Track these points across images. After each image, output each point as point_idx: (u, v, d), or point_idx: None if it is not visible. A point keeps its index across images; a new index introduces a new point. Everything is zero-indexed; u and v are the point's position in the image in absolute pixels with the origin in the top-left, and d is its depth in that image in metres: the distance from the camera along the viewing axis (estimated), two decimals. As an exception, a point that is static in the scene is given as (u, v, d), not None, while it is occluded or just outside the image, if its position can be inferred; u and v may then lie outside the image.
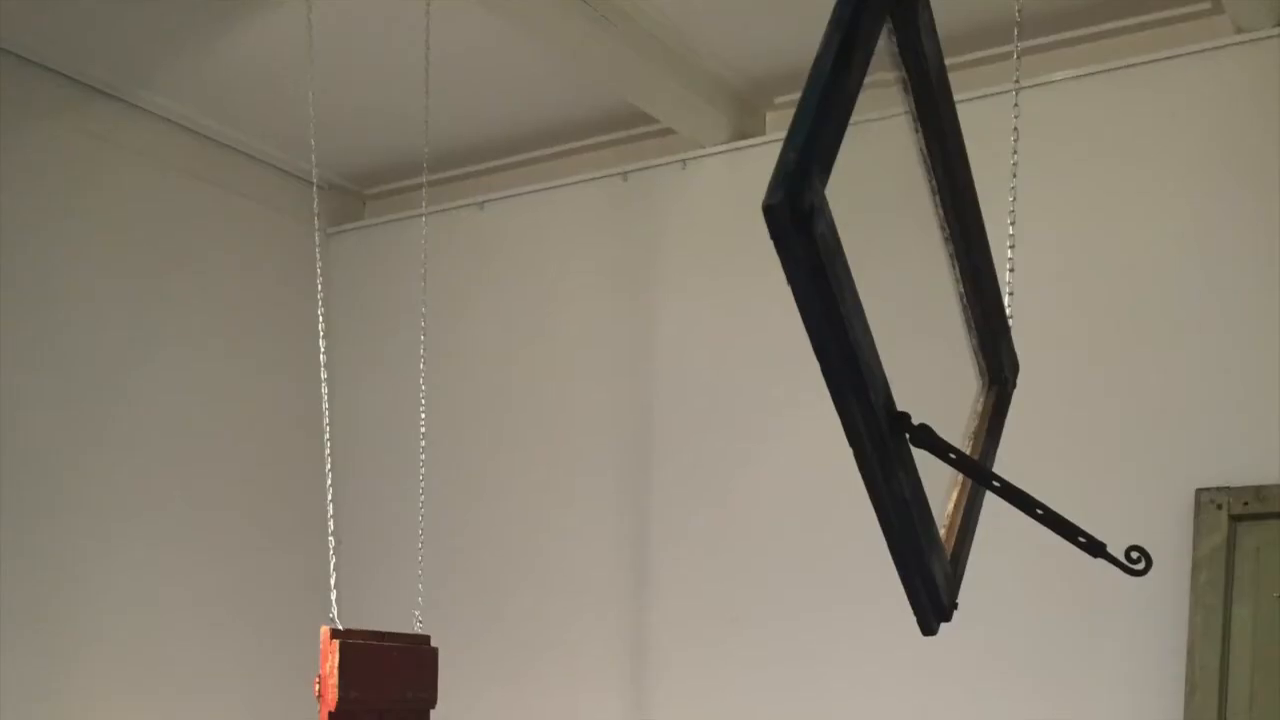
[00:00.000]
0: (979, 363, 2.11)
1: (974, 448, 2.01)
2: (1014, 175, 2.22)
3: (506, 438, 4.73)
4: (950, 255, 1.97)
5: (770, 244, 1.33)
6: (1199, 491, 3.55)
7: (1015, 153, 2.26)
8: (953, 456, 1.64)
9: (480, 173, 4.91)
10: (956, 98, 1.87)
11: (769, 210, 1.33)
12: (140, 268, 4.29)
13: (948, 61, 1.85)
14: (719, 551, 4.30)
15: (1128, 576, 1.87)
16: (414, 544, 3.58)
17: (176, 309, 4.39)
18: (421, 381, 3.54)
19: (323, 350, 3.04)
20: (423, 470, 3.54)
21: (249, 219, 4.67)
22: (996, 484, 1.69)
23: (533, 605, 4.61)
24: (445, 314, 4.57)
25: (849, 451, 1.53)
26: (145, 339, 4.27)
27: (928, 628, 1.91)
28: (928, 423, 1.57)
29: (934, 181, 1.90)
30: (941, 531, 1.88)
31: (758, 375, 4.27)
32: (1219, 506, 3.47)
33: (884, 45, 1.64)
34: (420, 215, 3.74)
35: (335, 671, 2.82)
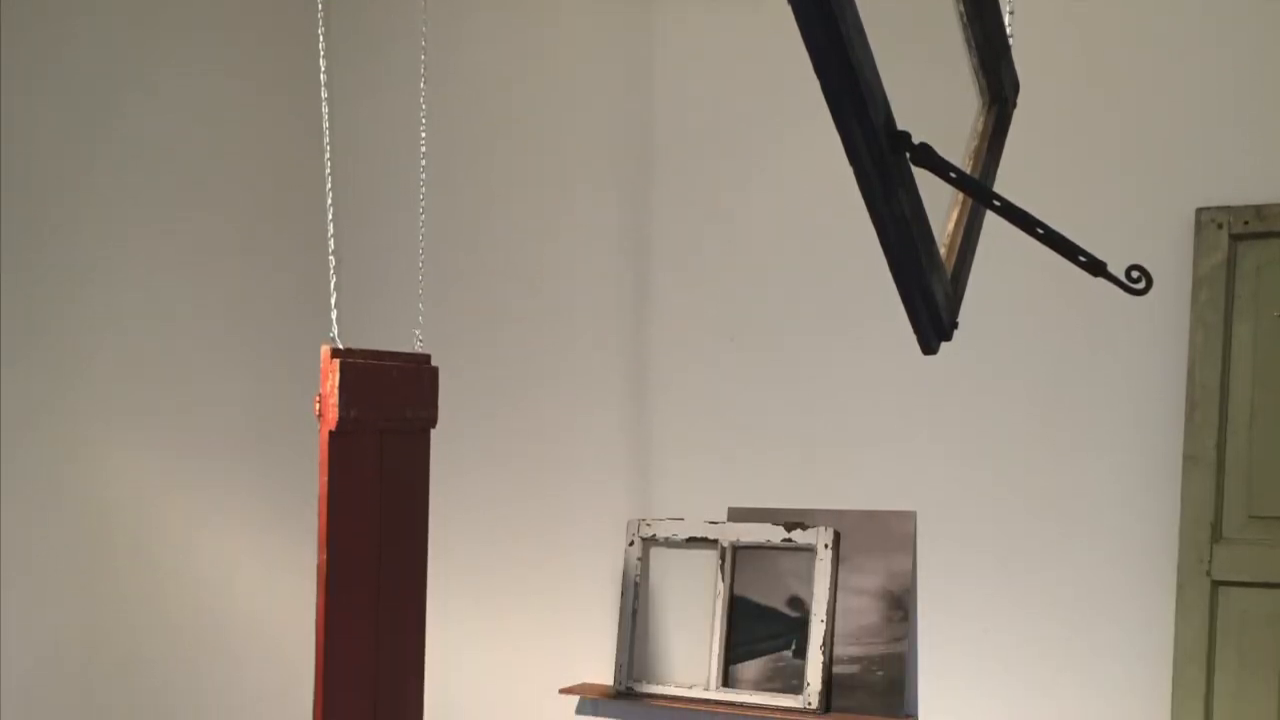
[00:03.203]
0: (979, 82, 2.12)
1: (974, 167, 2.03)
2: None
3: (506, 157, 4.73)
4: (950, -27, 1.96)
5: (773, -38, 1.33)
6: (1199, 211, 3.57)
7: None
8: (953, 175, 1.66)
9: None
10: None
11: (771, -74, 1.33)
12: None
13: None
14: (719, 271, 4.35)
15: (1128, 296, 1.90)
16: (414, 263, 3.62)
17: (174, 28, 4.35)
18: (421, 100, 3.52)
19: (323, 70, 3.02)
20: (423, 190, 3.55)
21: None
22: (997, 203, 1.70)
23: (533, 325, 4.67)
24: (445, 32, 4.53)
25: (849, 171, 1.55)
26: (143, 58, 4.23)
27: (928, 346, 1.95)
28: (928, 142, 1.59)
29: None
30: (942, 251, 1.92)
31: (759, 96, 4.25)
32: (1219, 226, 3.50)
33: None
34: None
35: (335, 390, 2.83)
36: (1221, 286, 3.49)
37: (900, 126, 1.57)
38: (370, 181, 4.84)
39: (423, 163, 3.50)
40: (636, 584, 4.34)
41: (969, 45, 2.04)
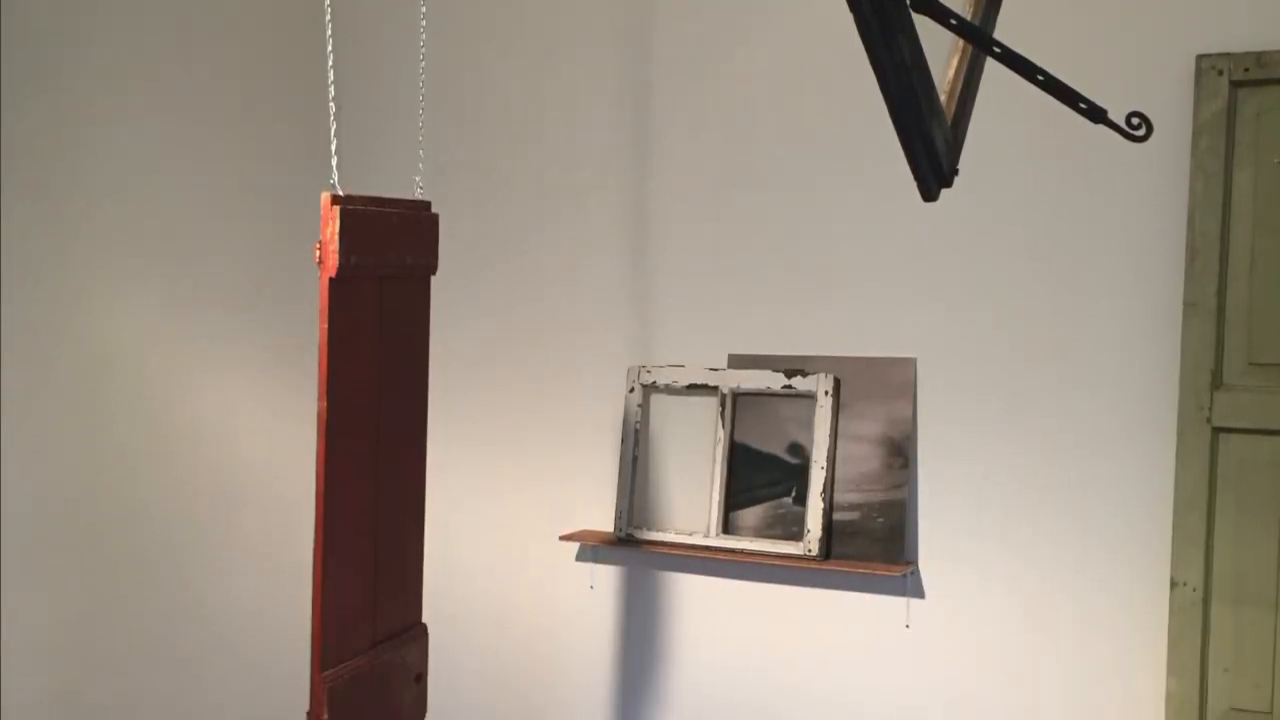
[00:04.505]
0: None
1: (974, 13, 2.04)
2: None
3: (507, 5, 4.70)
4: None
5: None
6: (1199, 58, 3.57)
7: None
8: (953, 21, 1.68)
9: None
10: None
11: None
12: None
13: None
14: (720, 121, 4.35)
15: (1128, 144, 1.93)
16: (414, 111, 3.62)
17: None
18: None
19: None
20: (423, 38, 3.52)
21: None
22: (997, 49, 1.73)
23: (534, 174, 4.68)
24: None
25: (850, 19, 1.57)
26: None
27: (928, 193, 1.99)
28: (929, -11, 1.61)
29: None
30: (942, 98, 1.95)
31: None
32: (1219, 72, 3.50)
33: None
34: None
35: (335, 237, 2.84)
36: (1221, 134, 3.50)
37: (901, -28, 1.59)
38: (370, 29, 4.82)
39: (423, 9, 3.48)
40: (637, 431, 4.41)
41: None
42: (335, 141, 2.94)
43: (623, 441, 4.43)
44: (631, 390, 4.42)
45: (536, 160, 4.67)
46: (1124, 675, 3.80)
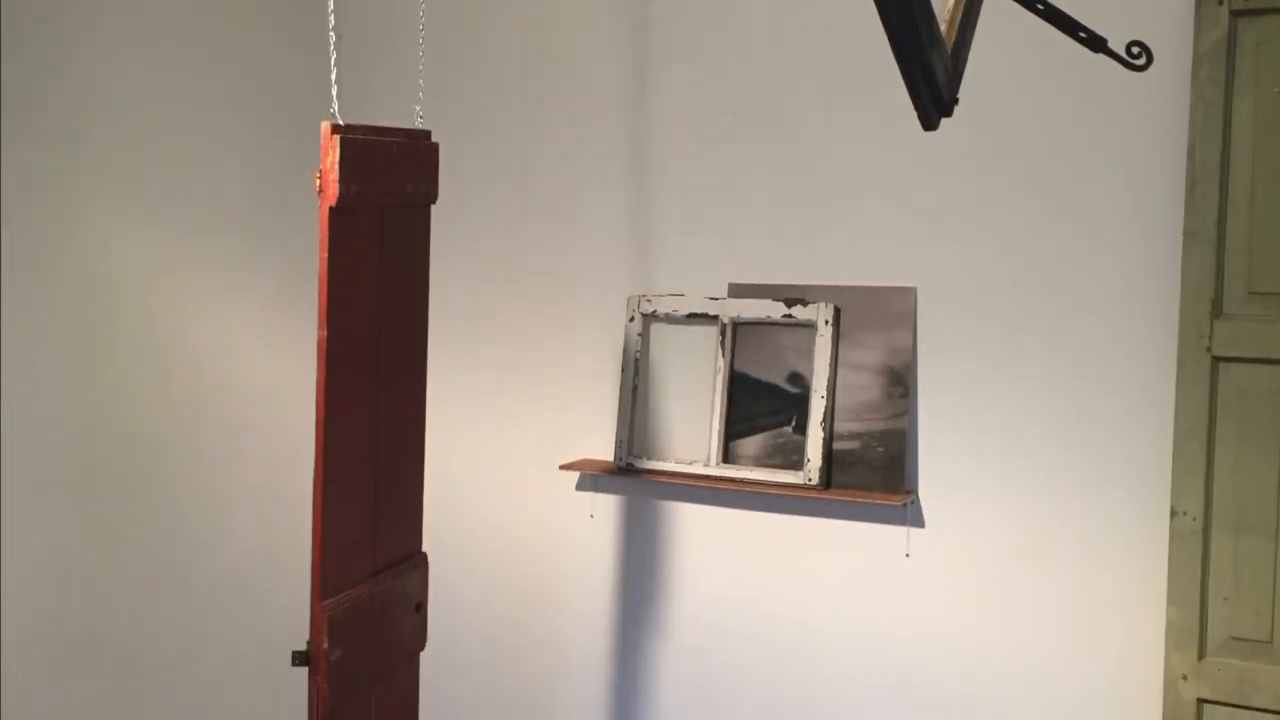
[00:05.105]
0: None
1: (977, -58, 2.05)
2: None
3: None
4: None
5: None
6: (1199, -13, 3.58)
7: None
8: (954, -48, 1.69)
9: None
10: None
11: None
12: None
13: None
14: (720, 49, 4.34)
15: (1128, 73, 1.95)
16: (415, 39, 3.61)
17: None
18: None
19: None
20: (422, -37, 3.54)
21: None
22: (998, -21, 1.74)
23: (534, 103, 4.68)
24: None
25: (850, -52, 1.58)
26: None
27: (928, 122, 2.01)
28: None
29: None
30: (942, 27, 1.96)
31: None
32: (1219, 1, 3.48)
33: None
34: None
35: (335, 166, 2.85)
36: (1221, 63, 3.49)
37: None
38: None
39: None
40: (637, 360, 4.43)
41: None
42: (335, 70, 2.95)
43: (623, 371, 4.46)
44: (631, 319, 4.44)
45: (536, 89, 4.67)
46: (1124, 604, 3.84)
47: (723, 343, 4.30)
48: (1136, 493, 3.81)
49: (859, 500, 4.07)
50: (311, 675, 2.97)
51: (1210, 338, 3.54)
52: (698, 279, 4.40)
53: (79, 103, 4.03)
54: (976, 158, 3.96)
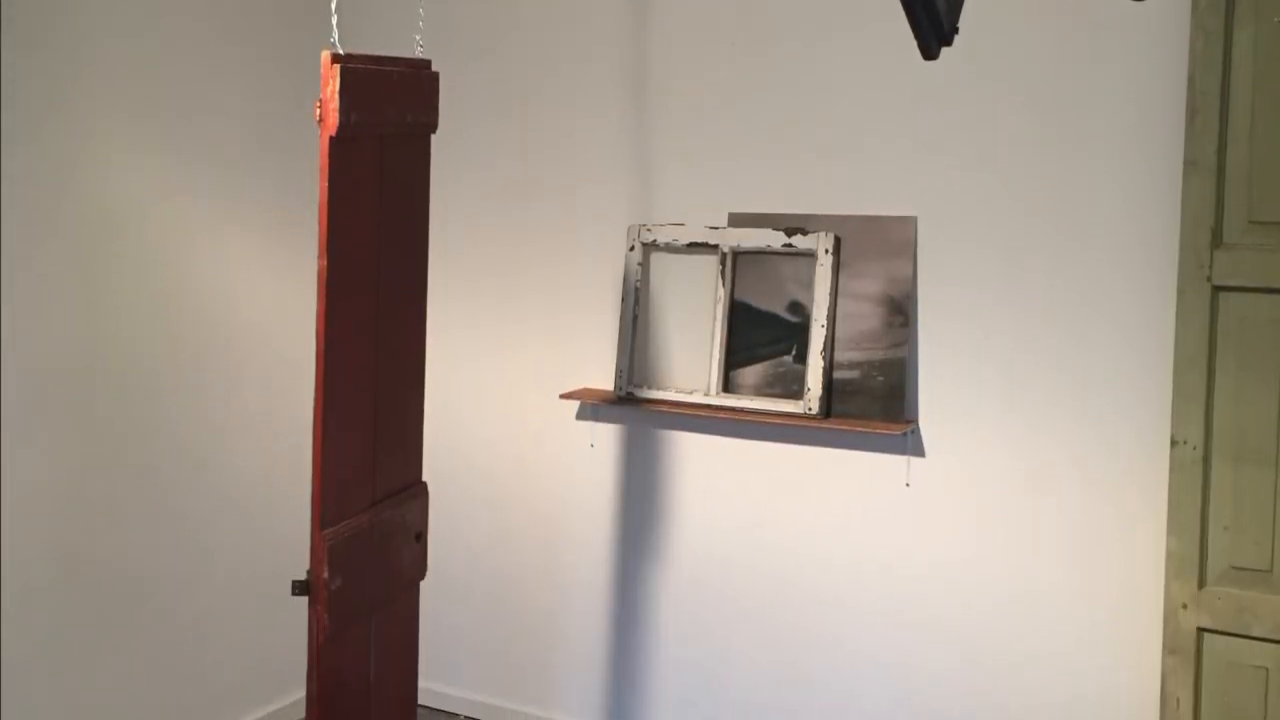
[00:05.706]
0: None
1: None
2: None
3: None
4: None
5: None
6: (1200, -86, 3.56)
7: None
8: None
9: None
10: None
11: None
12: None
13: None
14: (722, -29, 4.35)
15: (1129, 3, 1.95)
16: (412, -34, 3.62)
17: None
18: None
19: None
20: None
21: None
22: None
23: (534, 32, 4.66)
24: None
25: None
26: None
27: (929, 51, 2.02)
28: None
29: None
30: (944, -44, 1.97)
31: None
32: (1219, -69, 3.49)
33: None
34: None
35: (336, 95, 2.87)
36: (1222, -9, 3.50)
37: None
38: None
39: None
40: (637, 289, 4.45)
41: None
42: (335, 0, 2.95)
43: (623, 300, 4.48)
44: (632, 249, 4.46)
45: (536, 18, 4.67)
46: (1124, 533, 3.88)
47: (723, 272, 4.31)
48: (1137, 421, 3.84)
49: (859, 429, 4.10)
50: (311, 604, 3.01)
51: (1210, 267, 3.55)
52: (698, 208, 4.40)
53: (79, 34, 4.02)
54: (977, 87, 3.96)
